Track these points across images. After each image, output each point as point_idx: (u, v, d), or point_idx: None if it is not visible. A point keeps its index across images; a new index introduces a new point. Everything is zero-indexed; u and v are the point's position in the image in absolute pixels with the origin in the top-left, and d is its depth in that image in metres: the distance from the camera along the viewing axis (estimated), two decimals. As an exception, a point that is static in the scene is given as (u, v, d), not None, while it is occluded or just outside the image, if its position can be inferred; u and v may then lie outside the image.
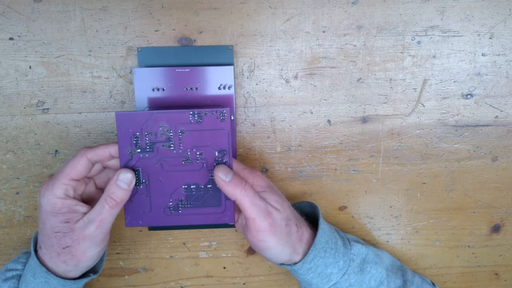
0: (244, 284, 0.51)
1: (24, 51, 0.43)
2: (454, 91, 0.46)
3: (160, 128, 0.38)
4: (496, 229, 0.50)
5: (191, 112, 0.38)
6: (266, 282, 0.51)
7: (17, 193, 0.46)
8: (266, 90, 0.45)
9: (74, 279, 0.40)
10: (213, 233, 0.49)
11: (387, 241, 0.50)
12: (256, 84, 0.45)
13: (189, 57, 0.44)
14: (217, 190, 0.40)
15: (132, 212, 0.40)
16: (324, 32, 0.44)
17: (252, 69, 0.45)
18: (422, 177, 0.48)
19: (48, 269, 0.38)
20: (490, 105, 0.47)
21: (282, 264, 0.42)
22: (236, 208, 0.41)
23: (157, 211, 0.40)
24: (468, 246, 0.51)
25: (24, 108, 0.44)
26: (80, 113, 0.45)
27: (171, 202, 0.39)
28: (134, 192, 0.39)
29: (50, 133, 0.45)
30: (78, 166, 0.37)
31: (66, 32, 0.43)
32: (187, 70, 0.43)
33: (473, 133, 0.47)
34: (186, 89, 0.43)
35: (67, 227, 0.37)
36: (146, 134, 0.38)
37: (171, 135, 0.38)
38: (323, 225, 0.42)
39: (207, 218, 0.40)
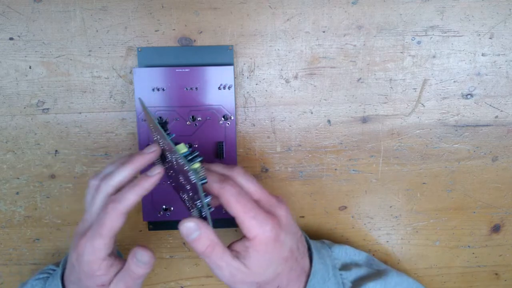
0: (244, 284, 0.51)
1: (24, 51, 0.43)
2: (454, 91, 0.46)
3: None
4: (496, 229, 0.50)
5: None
6: (266, 282, 0.51)
7: (17, 193, 0.46)
8: (266, 90, 0.45)
9: None
10: (213, 233, 0.49)
11: (387, 241, 0.50)
12: (256, 84, 0.45)
13: (189, 57, 0.44)
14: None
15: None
16: (324, 32, 0.44)
17: (252, 69, 0.45)
18: (422, 177, 0.48)
19: None
20: (490, 105, 0.47)
21: None
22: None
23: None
24: (468, 246, 0.51)
25: (24, 108, 0.44)
26: (80, 113, 0.45)
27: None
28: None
29: (50, 133, 0.45)
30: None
31: (66, 32, 0.43)
32: (187, 70, 0.43)
33: (473, 133, 0.47)
34: (186, 89, 0.43)
35: None
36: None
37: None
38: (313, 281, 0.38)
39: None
